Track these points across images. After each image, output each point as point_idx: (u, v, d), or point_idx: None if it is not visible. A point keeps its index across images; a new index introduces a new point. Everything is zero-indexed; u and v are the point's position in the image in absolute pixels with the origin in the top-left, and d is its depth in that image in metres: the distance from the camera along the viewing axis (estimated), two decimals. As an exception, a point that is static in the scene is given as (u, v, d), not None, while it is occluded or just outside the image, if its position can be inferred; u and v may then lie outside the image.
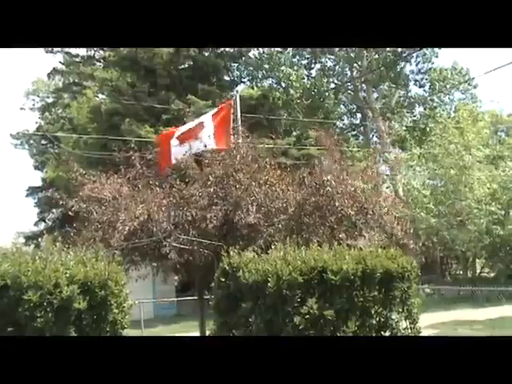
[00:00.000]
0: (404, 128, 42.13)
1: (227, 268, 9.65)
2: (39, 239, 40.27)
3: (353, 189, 14.33)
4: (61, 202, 15.64)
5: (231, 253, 9.81)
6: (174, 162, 16.74)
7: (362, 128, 42.62)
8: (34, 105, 52.59)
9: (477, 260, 37.37)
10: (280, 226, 14.13)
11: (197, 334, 15.63)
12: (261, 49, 39.62)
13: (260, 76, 40.38)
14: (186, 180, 15.12)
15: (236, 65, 39.40)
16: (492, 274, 37.58)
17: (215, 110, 19.81)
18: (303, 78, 38.89)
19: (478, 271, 37.85)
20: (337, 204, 13.95)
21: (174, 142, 17.72)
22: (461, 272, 39.39)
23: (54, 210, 38.84)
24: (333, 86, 40.87)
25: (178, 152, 16.95)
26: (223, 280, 9.67)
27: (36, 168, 46.52)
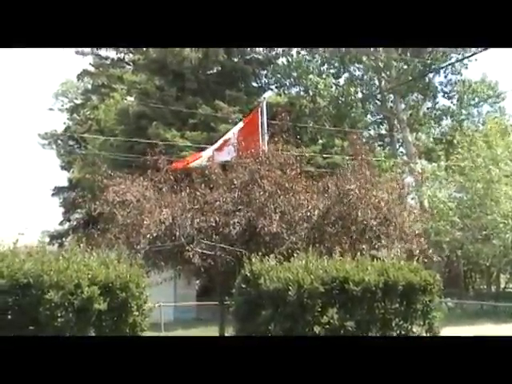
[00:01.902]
0: (431, 140, 41.80)
1: (249, 275, 9.65)
2: (63, 239, 40.50)
3: (377, 200, 14.24)
4: (85, 205, 15.70)
5: (253, 260, 9.81)
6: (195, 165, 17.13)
7: (388, 138, 42.37)
8: (62, 106, 52.97)
9: (501, 275, 36.96)
10: (302, 234, 14.09)
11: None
12: (289, 57, 39.65)
13: (288, 83, 40.29)
14: (211, 185, 15.15)
15: (264, 72, 39.36)
16: (516, 290, 37.18)
17: (245, 118, 20.11)
18: (331, 87, 38.69)
19: (502, 286, 37.44)
20: (359, 214, 13.88)
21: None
22: (485, 286, 38.97)
23: (78, 210, 39.06)
24: (360, 95, 40.69)
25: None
26: (244, 287, 9.67)
27: (63, 168, 46.79)
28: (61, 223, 43.39)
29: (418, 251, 14.12)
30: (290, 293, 8.88)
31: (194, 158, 18.74)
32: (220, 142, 19.13)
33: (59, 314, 7.98)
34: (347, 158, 22.99)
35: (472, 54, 35.31)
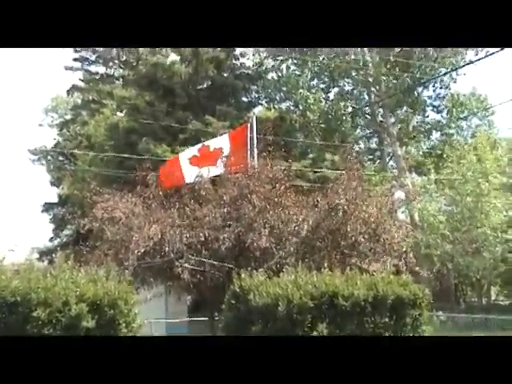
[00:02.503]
0: (421, 153, 41.95)
1: (238, 290, 9.61)
2: (53, 255, 40.27)
3: (366, 215, 14.24)
4: (75, 221, 15.66)
5: (242, 275, 9.78)
6: (188, 181, 16.83)
7: (378, 152, 42.48)
8: (52, 121, 52.99)
9: (492, 287, 37.07)
10: (292, 249, 14.07)
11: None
12: (279, 71, 39.81)
13: (278, 98, 40.45)
14: (200, 201, 15.12)
15: (254, 87, 39.41)
16: (507, 302, 37.21)
17: (232, 132, 19.93)
18: (321, 101, 38.82)
19: (492, 298, 37.53)
20: (349, 229, 13.88)
21: (186, 163, 17.87)
22: (475, 299, 39.06)
23: (68, 227, 38.94)
24: (350, 109, 40.79)
25: (193, 173, 17.04)
26: (233, 302, 9.63)
27: (52, 184, 46.66)
28: (51, 240, 43.22)
29: (405, 268, 14.09)
30: (279, 308, 8.85)
31: (172, 164, 18.52)
32: (198, 147, 18.93)
33: (47, 332, 7.92)
34: (337, 172, 23.01)
35: (460, 67, 35.67)
